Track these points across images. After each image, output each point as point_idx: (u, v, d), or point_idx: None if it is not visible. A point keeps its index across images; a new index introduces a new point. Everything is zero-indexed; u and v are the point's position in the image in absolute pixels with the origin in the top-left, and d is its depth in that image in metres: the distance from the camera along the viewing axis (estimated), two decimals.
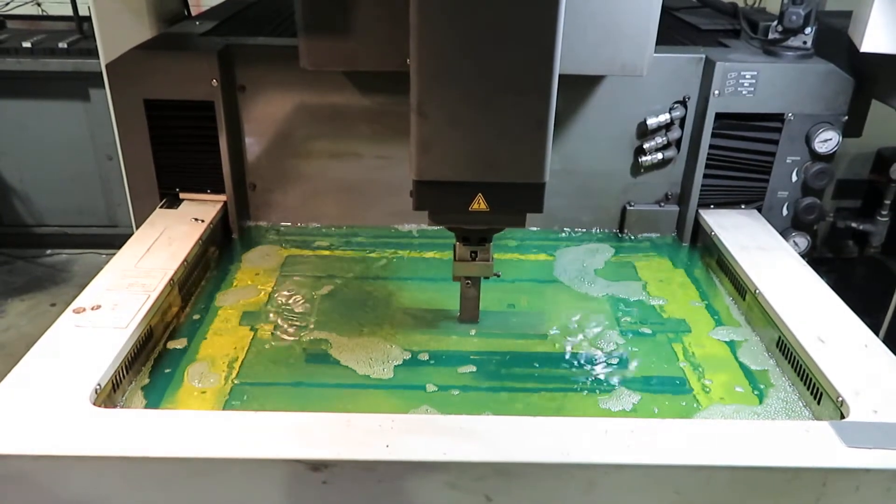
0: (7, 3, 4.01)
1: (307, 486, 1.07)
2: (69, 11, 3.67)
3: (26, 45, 3.43)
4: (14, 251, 3.89)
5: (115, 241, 1.88)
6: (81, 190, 3.70)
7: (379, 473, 1.07)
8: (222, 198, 1.92)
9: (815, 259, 1.99)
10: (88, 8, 2.06)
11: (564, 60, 1.21)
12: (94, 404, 1.18)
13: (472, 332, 1.56)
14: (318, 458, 1.06)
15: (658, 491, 1.10)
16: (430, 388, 1.38)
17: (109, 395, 1.27)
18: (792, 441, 1.12)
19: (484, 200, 1.32)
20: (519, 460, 1.07)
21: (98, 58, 1.99)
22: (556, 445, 1.09)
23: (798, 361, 1.38)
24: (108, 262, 1.59)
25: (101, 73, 1.90)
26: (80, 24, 3.62)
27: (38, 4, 4.14)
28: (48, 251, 3.92)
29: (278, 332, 1.54)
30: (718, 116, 1.82)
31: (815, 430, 1.14)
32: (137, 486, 1.09)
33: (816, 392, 1.31)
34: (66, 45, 3.43)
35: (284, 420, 1.15)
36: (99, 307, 1.41)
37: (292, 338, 1.53)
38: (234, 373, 1.41)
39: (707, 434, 1.14)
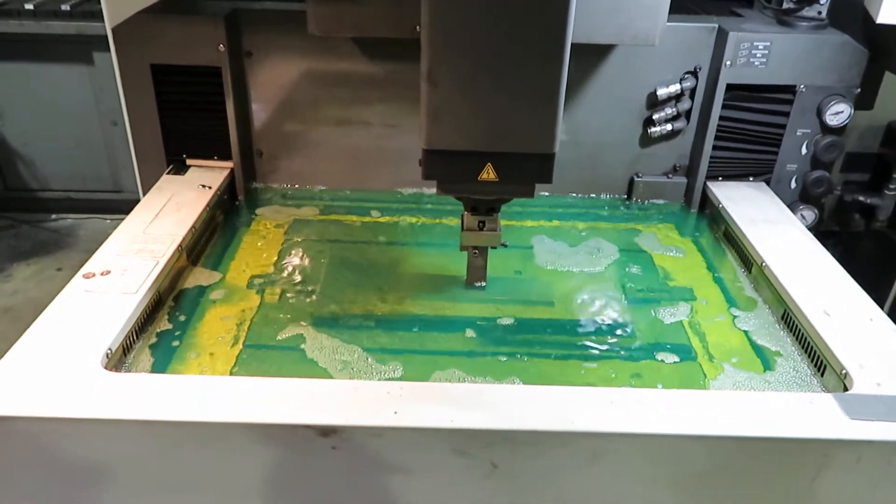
0: None
1: (316, 451, 1.09)
2: None
3: (29, 6, 3.38)
4: (19, 215, 3.90)
5: (119, 207, 1.88)
6: (86, 155, 3.69)
7: (387, 439, 1.09)
8: (229, 164, 1.92)
9: (822, 232, 1.99)
10: None
11: (576, 29, 1.20)
12: (106, 368, 1.19)
13: (480, 294, 1.58)
14: (326, 424, 1.07)
15: (661, 460, 1.11)
16: (437, 352, 1.39)
17: (120, 359, 1.28)
18: (795, 412, 1.13)
19: (493, 170, 1.31)
20: (525, 428, 1.08)
21: (102, 21, 1.96)
22: (563, 414, 1.10)
23: (803, 334, 1.39)
24: (113, 227, 1.60)
25: (105, 36, 1.88)
26: None
27: None
28: (53, 216, 3.93)
29: (286, 296, 1.55)
30: (729, 87, 1.81)
31: (818, 402, 1.15)
32: (147, 449, 1.11)
33: (820, 364, 1.32)
34: (69, 8, 3.38)
35: (293, 385, 1.16)
36: (108, 272, 1.42)
37: (300, 301, 1.54)
38: (243, 337, 1.42)
39: (710, 404, 1.15)
